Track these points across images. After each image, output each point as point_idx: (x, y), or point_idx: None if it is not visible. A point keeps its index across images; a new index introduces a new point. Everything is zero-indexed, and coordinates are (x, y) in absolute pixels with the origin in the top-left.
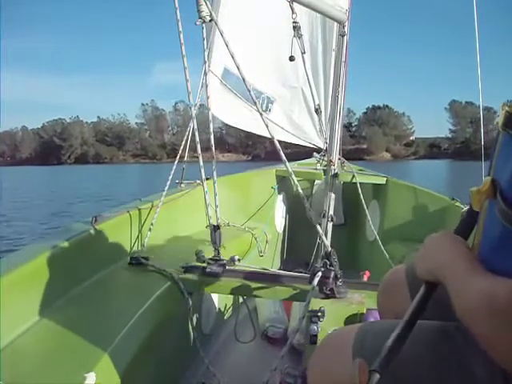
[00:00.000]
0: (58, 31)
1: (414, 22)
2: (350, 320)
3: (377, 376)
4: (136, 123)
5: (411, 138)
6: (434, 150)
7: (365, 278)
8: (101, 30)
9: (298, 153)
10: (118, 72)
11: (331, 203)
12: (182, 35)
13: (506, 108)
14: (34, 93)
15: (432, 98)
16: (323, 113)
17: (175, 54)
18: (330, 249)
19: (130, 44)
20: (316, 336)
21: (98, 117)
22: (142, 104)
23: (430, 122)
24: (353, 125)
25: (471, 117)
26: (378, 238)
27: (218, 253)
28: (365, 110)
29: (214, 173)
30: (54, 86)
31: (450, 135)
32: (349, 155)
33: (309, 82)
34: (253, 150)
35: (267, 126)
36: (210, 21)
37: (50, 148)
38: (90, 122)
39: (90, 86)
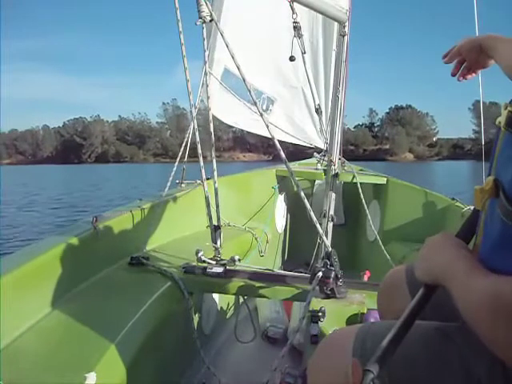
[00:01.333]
0: (82, 31)
1: (436, 19)
2: (351, 320)
3: (370, 376)
4: (157, 122)
5: (434, 139)
6: (457, 150)
7: (365, 278)
8: (125, 30)
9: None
10: (140, 71)
11: (332, 203)
12: (182, 35)
13: (509, 108)
14: (56, 92)
15: (456, 98)
16: (324, 113)
17: (198, 54)
18: (330, 249)
19: (154, 44)
20: (316, 336)
21: (120, 116)
22: (163, 103)
23: (454, 123)
24: (375, 125)
25: (496, 117)
26: (378, 237)
27: (219, 253)
28: (387, 110)
29: (215, 173)
30: (76, 85)
31: (473, 136)
32: (371, 156)
33: (309, 82)
34: (274, 149)
35: (267, 127)
36: (211, 21)
37: (71, 147)
38: (111, 121)
39: (113, 85)
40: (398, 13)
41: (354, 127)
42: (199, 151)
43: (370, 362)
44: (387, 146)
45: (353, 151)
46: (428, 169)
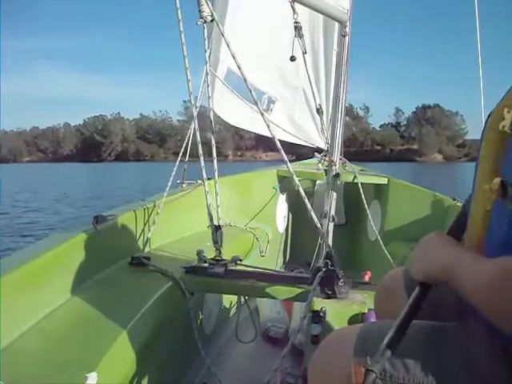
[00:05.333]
0: (105, 28)
1: (463, 17)
2: (352, 320)
3: (373, 375)
4: (178, 120)
5: (460, 140)
6: None
7: (366, 278)
8: (147, 28)
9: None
10: (162, 69)
11: (332, 203)
12: (183, 35)
13: None
14: (78, 89)
15: (486, 97)
16: (325, 113)
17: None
18: (331, 249)
19: (176, 42)
20: (317, 336)
21: (141, 114)
22: (184, 101)
23: (482, 123)
24: (401, 124)
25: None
26: (379, 238)
27: (220, 253)
28: (414, 110)
29: (215, 173)
30: (98, 83)
31: None
32: (398, 156)
33: (310, 83)
34: (298, 149)
35: (268, 127)
36: (211, 21)
37: (91, 145)
38: (132, 119)
39: (134, 83)
40: (426, 13)
41: (380, 126)
42: (200, 151)
43: (372, 362)
44: (415, 146)
45: (379, 151)
46: (459, 170)
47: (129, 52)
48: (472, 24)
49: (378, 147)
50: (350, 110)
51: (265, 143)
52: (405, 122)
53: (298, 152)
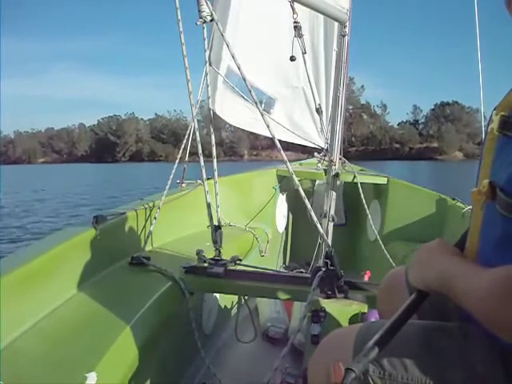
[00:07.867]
0: (120, 31)
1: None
2: (352, 320)
3: (352, 375)
4: None
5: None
6: None
7: (366, 278)
8: (161, 29)
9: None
10: (177, 70)
11: (332, 203)
12: (182, 35)
13: (502, 113)
14: (93, 91)
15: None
16: (324, 112)
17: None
18: (331, 249)
19: (189, 42)
20: (317, 336)
21: (156, 113)
22: (203, 100)
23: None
24: (419, 122)
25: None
26: (378, 237)
27: (219, 253)
28: (432, 107)
29: (215, 173)
30: (114, 84)
31: None
32: (418, 155)
33: (309, 82)
34: (312, 148)
35: (268, 126)
36: (211, 21)
37: (105, 145)
38: (147, 119)
39: (149, 84)
40: (442, 11)
41: (398, 124)
42: (199, 151)
43: (352, 362)
44: (435, 144)
45: (398, 150)
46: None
47: (142, 53)
48: (483, 21)
49: (397, 145)
50: (367, 108)
51: (280, 143)
52: (423, 120)
53: (313, 151)
